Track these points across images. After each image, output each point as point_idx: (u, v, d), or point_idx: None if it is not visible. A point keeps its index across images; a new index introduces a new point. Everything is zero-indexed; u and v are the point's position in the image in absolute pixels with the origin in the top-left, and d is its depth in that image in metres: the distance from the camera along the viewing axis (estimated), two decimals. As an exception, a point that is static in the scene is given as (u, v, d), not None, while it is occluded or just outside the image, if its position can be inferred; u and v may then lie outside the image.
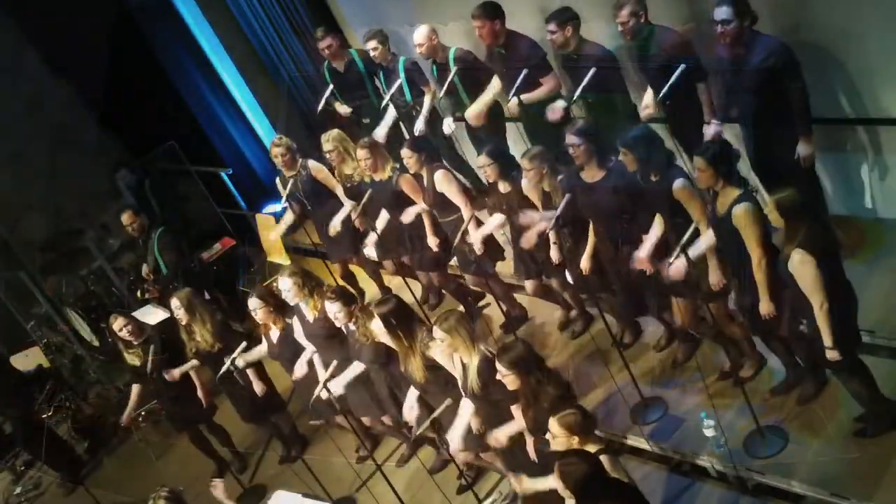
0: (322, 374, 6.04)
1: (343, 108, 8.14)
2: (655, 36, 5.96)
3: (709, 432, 5.35)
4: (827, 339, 4.62)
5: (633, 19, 5.91)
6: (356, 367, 5.85)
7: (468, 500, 5.91)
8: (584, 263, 5.86)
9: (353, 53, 8.05)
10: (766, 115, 5.63)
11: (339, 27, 8.98)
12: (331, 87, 7.76)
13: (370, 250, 7.55)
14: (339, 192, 7.33)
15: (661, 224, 5.40)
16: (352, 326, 5.72)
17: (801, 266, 4.51)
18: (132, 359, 6.89)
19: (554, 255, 6.07)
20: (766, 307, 4.93)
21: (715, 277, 5.25)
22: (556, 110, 6.56)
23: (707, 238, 5.11)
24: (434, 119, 7.72)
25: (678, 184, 5.20)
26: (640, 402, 5.87)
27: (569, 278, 6.18)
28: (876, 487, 4.79)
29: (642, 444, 5.74)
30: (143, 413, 7.94)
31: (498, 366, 4.74)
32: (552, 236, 5.89)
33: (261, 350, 6.51)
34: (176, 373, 6.75)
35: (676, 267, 5.07)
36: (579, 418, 4.35)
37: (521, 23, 6.89)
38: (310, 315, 6.08)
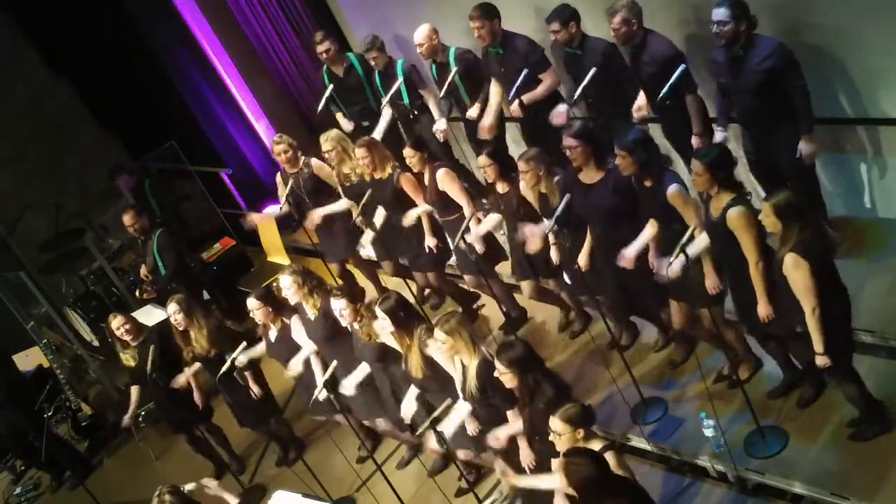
0: (319, 374, 6.05)
1: (346, 124, 8.03)
2: (648, 44, 5.96)
3: (709, 432, 5.35)
4: (818, 345, 4.61)
5: (624, 27, 5.92)
6: (364, 368, 5.83)
7: (468, 501, 5.91)
8: (582, 260, 5.83)
9: (351, 58, 8.01)
10: (768, 115, 5.63)
11: (340, 28, 8.99)
12: (330, 86, 7.74)
13: (368, 250, 7.53)
14: (341, 191, 7.32)
15: (654, 227, 5.36)
16: (356, 325, 5.71)
17: (795, 270, 4.50)
18: (127, 359, 6.88)
19: (554, 255, 6.06)
20: (763, 310, 4.92)
21: (711, 282, 5.23)
22: (559, 115, 6.54)
23: (702, 241, 5.09)
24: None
25: (672, 189, 5.19)
26: (640, 402, 5.87)
27: (566, 279, 6.18)
28: (875, 487, 4.79)
29: (642, 444, 5.74)
30: (142, 413, 7.94)
31: (496, 363, 4.73)
32: (551, 237, 5.88)
33: (260, 348, 6.50)
34: (182, 379, 6.72)
35: (674, 268, 5.04)
36: (580, 411, 4.37)
37: (515, 23, 6.88)
38: (311, 314, 6.08)
